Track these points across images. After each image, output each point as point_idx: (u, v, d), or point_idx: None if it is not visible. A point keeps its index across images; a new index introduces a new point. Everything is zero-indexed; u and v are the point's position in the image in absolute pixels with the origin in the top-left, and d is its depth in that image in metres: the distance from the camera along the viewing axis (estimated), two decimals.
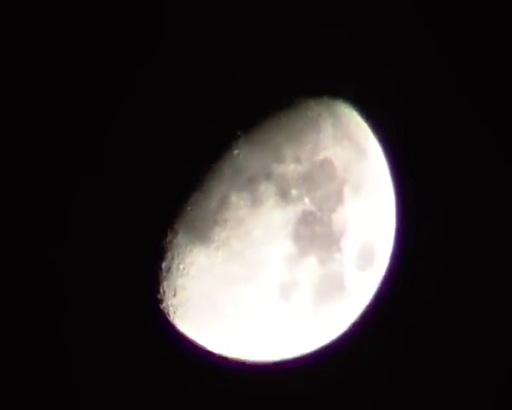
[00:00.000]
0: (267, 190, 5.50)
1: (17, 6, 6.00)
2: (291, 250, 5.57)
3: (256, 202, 5.50)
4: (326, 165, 5.63)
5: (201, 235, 5.55)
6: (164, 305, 5.82)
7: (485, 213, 6.81)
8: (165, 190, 5.57)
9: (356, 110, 5.98)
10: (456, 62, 6.66)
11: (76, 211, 5.86)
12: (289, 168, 5.53)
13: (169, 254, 5.65)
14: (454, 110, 6.67)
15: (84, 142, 5.84)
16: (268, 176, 5.50)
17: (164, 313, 5.86)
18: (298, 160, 5.56)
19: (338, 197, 5.66)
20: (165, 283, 5.73)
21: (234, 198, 5.50)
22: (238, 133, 5.53)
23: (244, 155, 5.52)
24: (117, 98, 5.74)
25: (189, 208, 5.55)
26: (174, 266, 5.66)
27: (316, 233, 5.60)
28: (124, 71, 5.78)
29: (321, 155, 5.63)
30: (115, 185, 5.64)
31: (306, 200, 5.55)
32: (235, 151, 5.52)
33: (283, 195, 5.51)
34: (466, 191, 6.76)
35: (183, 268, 5.63)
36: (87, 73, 5.88)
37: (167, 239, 5.61)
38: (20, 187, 6.05)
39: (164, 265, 5.68)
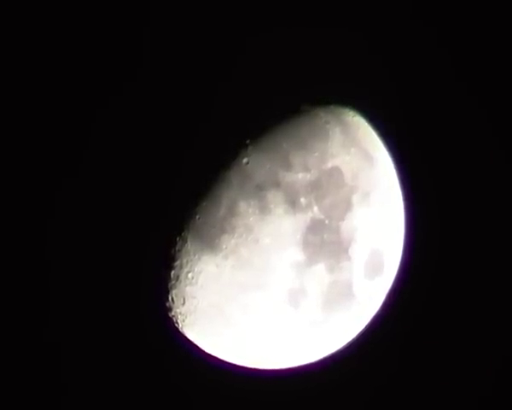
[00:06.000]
0: (275, 197, 5.50)
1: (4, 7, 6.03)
2: (300, 258, 5.57)
3: (264, 209, 5.50)
4: (334, 173, 5.63)
5: (210, 243, 5.55)
6: (173, 313, 5.83)
7: (495, 222, 6.80)
8: (174, 198, 5.58)
9: (364, 118, 5.98)
10: (463, 65, 6.66)
11: (84, 219, 5.87)
12: (298, 176, 5.53)
13: (178, 263, 5.65)
14: (464, 117, 6.66)
15: (92, 150, 5.85)
16: (276, 184, 5.50)
17: (173, 322, 5.86)
18: (306, 168, 5.56)
19: (346, 205, 5.66)
20: (173, 291, 5.73)
21: (242, 206, 5.50)
22: (246, 141, 5.54)
23: (252, 163, 5.53)
24: (123, 105, 5.75)
25: (197, 217, 5.55)
26: (183, 275, 5.66)
27: (324, 241, 5.60)
28: (126, 77, 5.80)
29: (329, 163, 5.63)
30: (124, 194, 5.65)
31: (315, 208, 5.56)
32: (244, 159, 5.53)
33: (292, 203, 5.51)
34: (476, 199, 6.75)
35: (192, 277, 5.64)
36: (86, 76, 5.89)
37: (176, 248, 5.62)
38: (23, 193, 6.07)
39: (173, 273, 5.68)
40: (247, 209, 5.50)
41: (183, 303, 5.74)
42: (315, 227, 5.56)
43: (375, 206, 5.80)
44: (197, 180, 5.52)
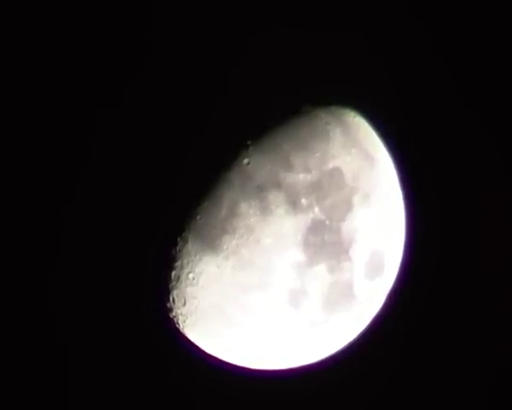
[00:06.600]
0: (276, 198, 5.51)
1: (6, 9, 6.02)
2: (300, 259, 5.57)
3: (265, 210, 5.51)
4: (335, 174, 5.64)
5: (211, 243, 5.56)
6: (174, 314, 5.83)
7: (495, 222, 6.80)
8: (175, 198, 5.58)
9: (364, 118, 5.98)
10: (463, 65, 6.66)
11: (85, 219, 5.87)
12: (299, 177, 5.53)
13: (179, 263, 5.65)
14: (464, 117, 6.67)
15: (93, 150, 5.85)
16: (277, 185, 5.51)
17: (174, 322, 5.86)
18: (307, 169, 5.56)
19: (347, 206, 5.66)
20: (174, 292, 5.74)
21: (243, 207, 5.51)
22: (247, 142, 5.54)
23: (253, 164, 5.53)
24: (123, 105, 5.75)
25: (198, 217, 5.56)
26: (184, 276, 5.66)
27: (325, 242, 5.60)
28: (126, 77, 5.80)
29: (330, 164, 5.64)
30: (125, 194, 5.65)
31: (316, 209, 5.56)
32: (245, 160, 5.53)
33: (293, 203, 5.51)
34: (476, 199, 6.76)
35: (193, 277, 5.64)
36: (88, 77, 5.89)
37: (177, 248, 5.62)
38: (27, 200, 6.07)
39: (173, 274, 5.69)
40: (248, 210, 5.50)
41: (184, 304, 5.75)
42: (316, 228, 5.57)
43: (375, 206, 5.80)
44: (198, 181, 5.53)
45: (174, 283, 5.71)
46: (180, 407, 6.61)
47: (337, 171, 5.65)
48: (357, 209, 5.70)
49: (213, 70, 5.65)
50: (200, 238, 5.58)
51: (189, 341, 5.96)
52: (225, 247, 5.54)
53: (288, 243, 5.54)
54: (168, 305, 5.79)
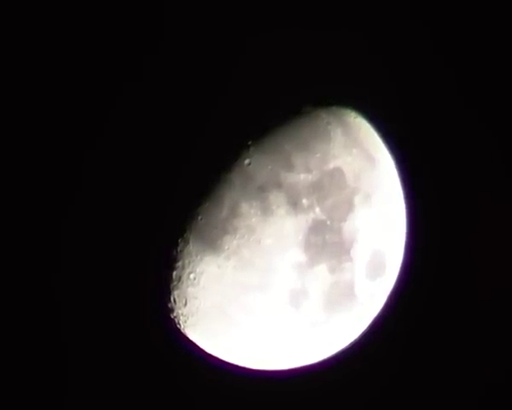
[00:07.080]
0: (277, 199, 5.51)
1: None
2: (301, 259, 5.58)
3: (266, 210, 5.51)
4: (336, 174, 5.64)
5: (212, 244, 5.56)
6: (175, 314, 5.83)
7: (496, 222, 6.81)
8: (176, 199, 5.58)
9: (365, 118, 5.99)
10: (464, 65, 6.67)
11: (86, 219, 5.87)
12: (300, 177, 5.53)
13: (180, 264, 5.65)
14: (465, 117, 6.67)
15: (94, 151, 5.85)
16: (278, 185, 5.51)
17: (175, 323, 5.86)
18: (308, 169, 5.56)
19: (348, 206, 5.66)
20: (175, 292, 5.74)
21: (244, 207, 5.51)
22: (248, 143, 5.54)
23: (254, 165, 5.53)
24: (124, 106, 5.75)
25: (199, 218, 5.56)
26: (185, 276, 5.66)
27: (326, 242, 5.61)
28: (127, 78, 5.79)
29: (331, 164, 5.64)
30: (126, 195, 5.65)
31: (317, 209, 5.56)
32: (246, 160, 5.53)
33: (294, 204, 5.52)
34: (477, 200, 6.76)
35: (194, 277, 5.64)
36: (88, 78, 5.89)
37: (178, 248, 5.62)
38: (26, 200, 6.07)
39: (175, 274, 5.69)
40: (248, 210, 5.50)
41: (185, 304, 5.74)
42: (317, 228, 5.57)
43: (376, 207, 5.81)
44: (199, 181, 5.53)
45: (175, 283, 5.71)
46: (180, 407, 6.60)
47: (338, 171, 5.65)
48: (359, 209, 5.71)
49: (214, 70, 5.65)
50: (201, 239, 5.58)
51: (190, 341, 5.96)
52: (226, 247, 5.54)
53: (288, 244, 5.54)
54: (169, 305, 5.79)
